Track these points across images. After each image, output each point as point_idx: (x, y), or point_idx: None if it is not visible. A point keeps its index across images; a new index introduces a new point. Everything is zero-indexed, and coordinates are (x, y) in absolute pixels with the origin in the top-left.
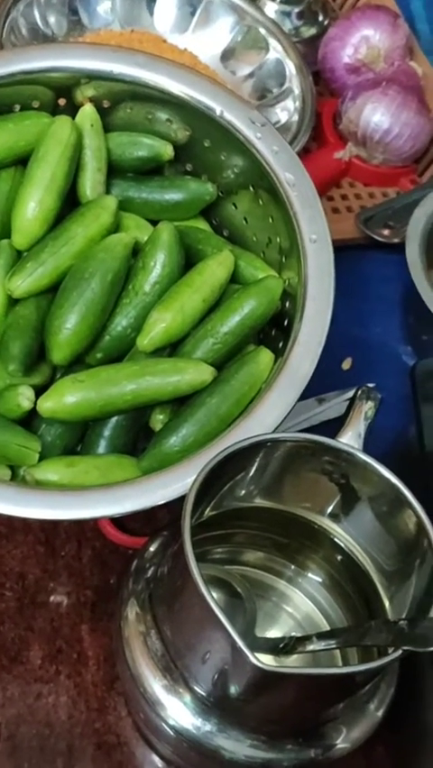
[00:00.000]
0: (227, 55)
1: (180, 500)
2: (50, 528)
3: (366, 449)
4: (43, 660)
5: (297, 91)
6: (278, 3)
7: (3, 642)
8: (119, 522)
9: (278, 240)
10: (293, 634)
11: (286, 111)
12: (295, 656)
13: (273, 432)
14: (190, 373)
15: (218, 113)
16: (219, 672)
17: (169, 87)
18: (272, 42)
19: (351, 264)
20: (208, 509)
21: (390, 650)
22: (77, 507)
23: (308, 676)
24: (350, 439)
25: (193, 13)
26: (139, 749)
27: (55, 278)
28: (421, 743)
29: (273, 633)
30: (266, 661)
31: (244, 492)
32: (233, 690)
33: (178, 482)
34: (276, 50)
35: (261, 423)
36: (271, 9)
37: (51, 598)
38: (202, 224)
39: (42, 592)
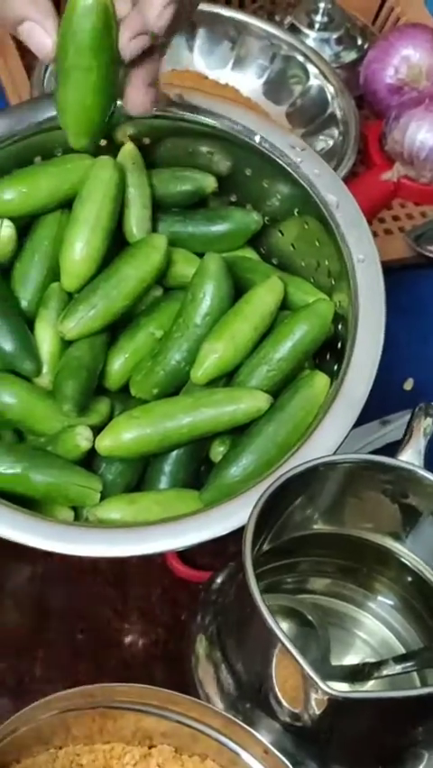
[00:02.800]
0: (269, 86)
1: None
2: (119, 568)
3: (428, 466)
4: None
5: (340, 116)
6: (316, 30)
7: (76, 685)
8: (189, 557)
9: (326, 263)
10: (368, 659)
11: (330, 137)
12: (372, 682)
13: (329, 455)
14: (246, 402)
15: (257, 140)
16: (294, 703)
17: (208, 120)
18: (313, 70)
19: (408, 284)
20: (271, 537)
21: None
22: (141, 542)
23: (382, 699)
24: (410, 456)
25: (232, 48)
26: None
27: (107, 319)
28: None
29: (349, 660)
30: (343, 688)
31: (305, 518)
32: (309, 720)
33: (240, 512)
34: (317, 78)
35: (319, 447)
36: (311, 37)
37: (123, 639)
38: (250, 254)
39: (114, 633)
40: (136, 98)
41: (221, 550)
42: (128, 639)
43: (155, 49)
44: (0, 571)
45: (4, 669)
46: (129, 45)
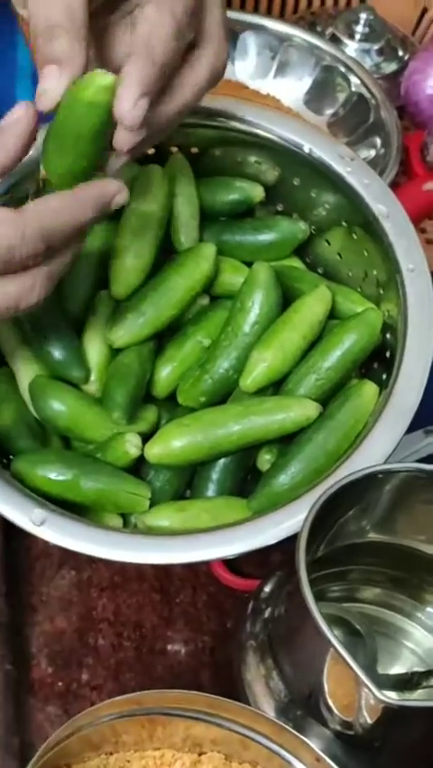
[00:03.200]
0: (310, 96)
1: (292, 540)
2: (164, 576)
3: None
4: None
5: (382, 126)
6: (357, 41)
7: (124, 692)
8: (233, 565)
9: (374, 272)
10: (416, 669)
11: (372, 147)
12: (420, 691)
13: (384, 463)
14: (295, 410)
15: (307, 150)
16: (346, 711)
17: (256, 130)
18: (354, 80)
19: None
20: (322, 546)
21: None
22: (191, 550)
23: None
24: None
25: (273, 58)
26: None
27: (156, 328)
28: None
29: (396, 669)
30: (392, 697)
31: (357, 527)
32: (361, 728)
33: (289, 521)
34: (358, 88)
35: (369, 457)
36: (351, 48)
37: (169, 646)
38: (296, 263)
39: (160, 640)
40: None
41: (265, 558)
42: (174, 646)
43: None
44: (46, 577)
45: (53, 675)
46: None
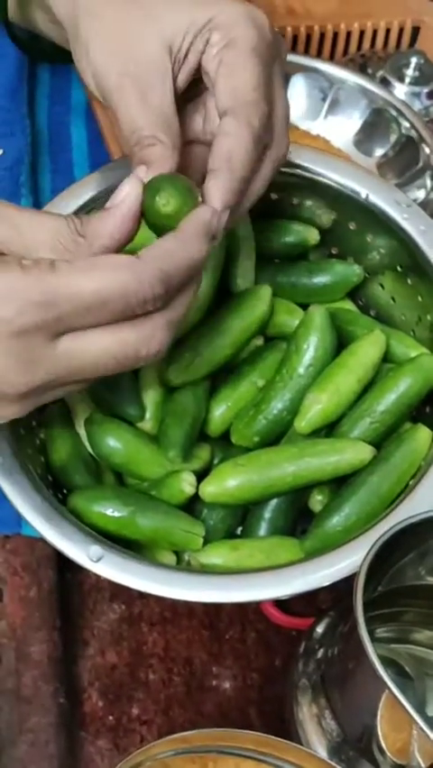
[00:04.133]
0: (360, 138)
1: (345, 581)
2: (214, 612)
3: None
4: None
5: (431, 169)
6: (407, 84)
7: (173, 727)
8: (281, 604)
9: (428, 317)
10: None
11: (423, 189)
12: None
13: None
14: (349, 453)
15: (364, 196)
16: (399, 754)
17: (312, 175)
18: (404, 123)
19: None
20: (379, 587)
21: None
22: (245, 589)
23: None
24: None
25: (324, 99)
26: None
27: (211, 367)
28: None
29: None
30: None
31: (414, 571)
32: None
33: (343, 562)
34: (408, 131)
35: (423, 501)
36: (401, 91)
37: (218, 682)
38: (349, 306)
39: (209, 676)
40: None
41: (313, 597)
42: (223, 682)
43: None
44: (97, 612)
45: (104, 709)
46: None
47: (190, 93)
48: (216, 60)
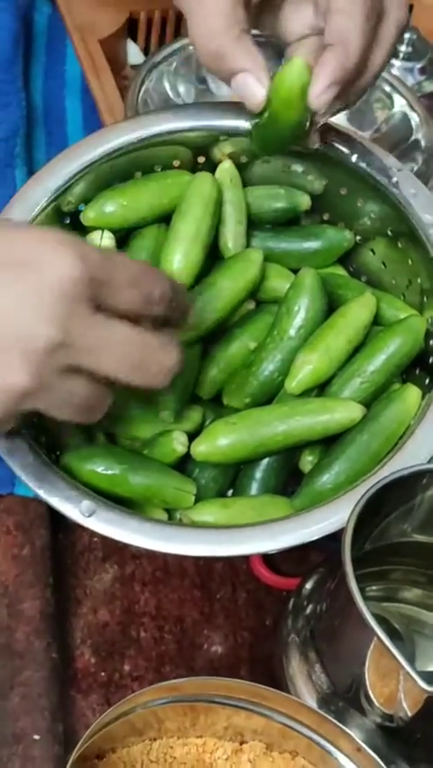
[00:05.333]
0: (353, 114)
1: (331, 539)
2: (205, 572)
3: None
4: None
5: (424, 144)
6: (400, 60)
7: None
8: (272, 564)
9: (418, 281)
10: None
11: (414, 162)
12: None
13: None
14: (340, 412)
15: (354, 160)
16: (387, 703)
17: None
18: (397, 98)
19: None
20: (366, 544)
21: None
22: (236, 543)
23: None
24: None
25: None
26: None
27: (203, 331)
28: None
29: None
30: None
31: (400, 528)
32: (401, 720)
33: (332, 517)
34: (401, 106)
35: (411, 459)
36: (394, 66)
37: (209, 640)
38: (340, 271)
39: (200, 635)
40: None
41: (303, 557)
42: (214, 641)
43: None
44: (90, 571)
45: (96, 665)
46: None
47: None
48: None
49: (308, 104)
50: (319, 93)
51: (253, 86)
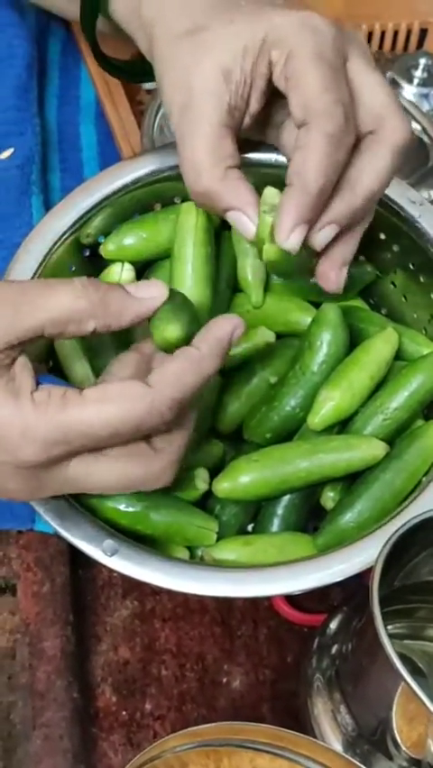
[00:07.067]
0: None
1: (356, 578)
2: (225, 609)
3: None
4: None
5: None
6: (415, 86)
7: (186, 723)
8: (294, 601)
9: None
10: None
11: (431, 189)
12: None
13: None
14: (363, 449)
15: None
16: (415, 748)
17: None
18: (413, 124)
19: None
20: (394, 583)
21: None
22: (259, 583)
23: None
24: None
25: None
26: None
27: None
28: None
29: None
30: None
31: (428, 568)
32: (430, 765)
33: (356, 558)
34: (417, 131)
35: None
36: (410, 92)
37: (230, 679)
38: (360, 304)
39: (221, 672)
40: (330, 277)
41: (325, 594)
42: (236, 678)
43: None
44: (110, 608)
45: (117, 704)
46: (317, 236)
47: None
48: (282, 77)
49: (282, 247)
50: (285, 238)
51: (245, 224)
